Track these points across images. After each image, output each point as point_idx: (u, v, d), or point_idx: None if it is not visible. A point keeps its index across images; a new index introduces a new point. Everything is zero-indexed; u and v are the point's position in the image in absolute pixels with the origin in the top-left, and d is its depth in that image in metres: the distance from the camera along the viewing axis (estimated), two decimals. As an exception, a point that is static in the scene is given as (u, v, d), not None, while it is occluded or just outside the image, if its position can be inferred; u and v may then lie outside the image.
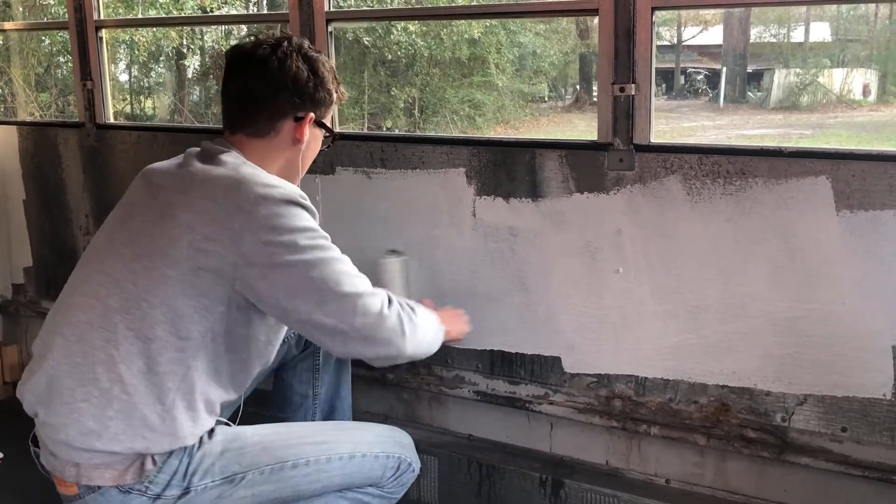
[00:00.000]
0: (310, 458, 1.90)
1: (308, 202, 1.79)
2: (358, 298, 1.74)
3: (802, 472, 2.17)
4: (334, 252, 1.77)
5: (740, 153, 2.10)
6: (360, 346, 1.77)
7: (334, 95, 1.95)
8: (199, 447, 1.82)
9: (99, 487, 1.75)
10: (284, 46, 1.88)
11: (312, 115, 1.91)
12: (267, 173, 1.83)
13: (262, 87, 1.87)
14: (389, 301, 1.81)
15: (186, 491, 1.79)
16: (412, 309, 1.86)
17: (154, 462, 1.76)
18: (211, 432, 1.87)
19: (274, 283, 1.72)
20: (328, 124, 1.98)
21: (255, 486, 1.86)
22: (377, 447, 1.98)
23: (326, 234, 1.78)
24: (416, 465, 2.06)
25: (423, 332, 1.87)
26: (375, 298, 1.77)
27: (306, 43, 1.93)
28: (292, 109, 1.89)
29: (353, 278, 1.77)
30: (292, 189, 1.78)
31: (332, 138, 2.02)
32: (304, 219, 1.76)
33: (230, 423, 1.98)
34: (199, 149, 1.90)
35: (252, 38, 1.95)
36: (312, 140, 1.95)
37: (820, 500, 2.18)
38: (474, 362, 2.54)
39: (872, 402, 2.05)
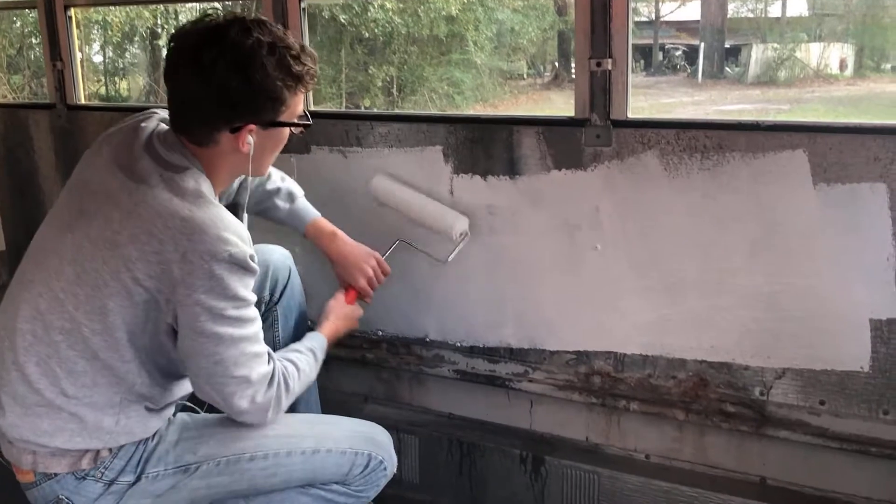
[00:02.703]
0: (269, 450, 1.86)
1: (255, 264, 1.71)
2: (245, 386, 1.74)
3: (781, 445, 2.18)
4: (249, 329, 1.73)
5: (717, 127, 2.09)
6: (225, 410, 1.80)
7: (285, 94, 1.72)
8: (154, 434, 1.82)
9: (55, 475, 1.75)
10: (220, 45, 1.66)
11: (252, 125, 1.72)
12: (228, 217, 1.70)
13: (190, 93, 1.70)
14: (271, 380, 1.79)
15: (139, 478, 1.78)
16: (295, 369, 1.87)
17: (110, 450, 1.76)
18: (170, 420, 1.87)
19: (184, 335, 1.70)
20: (292, 116, 1.79)
21: (209, 476, 1.83)
22: (344, 443, 1.93)
23: (254, 298, 1.74)
24: (391, 464, 2.01)
25: (294, 394, 1.87)
26: (259, 388, 1.76)
27: (255, 32, 1.68)
28: (226, 121, 1.71)
29: (250, 360, 1.74)
30: (243, 250, 1.67)
31: (302, 129, 1.86)
32: (243, 285, 1.69)
33: (198, 409, 1.97)
34: (160, 144, 1.74)
35: (206, 17, 1.72)
36: (266, 140, 1.78)
37: (799, 472, 2.19)
38: (454, 341, 2.53)
39: (850, 375, 2.05)
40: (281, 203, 2.22)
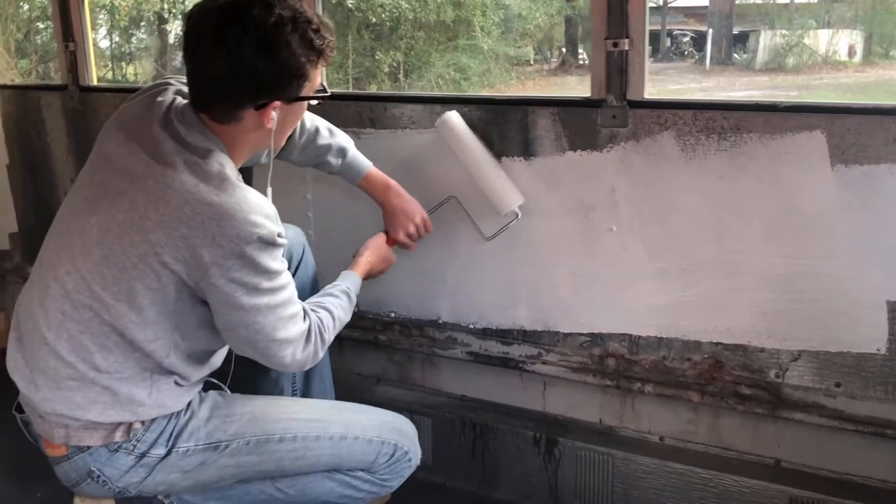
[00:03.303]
0: (298, 433, 1.89)
1: (284, 238, 1.72)
2: (285, 346, 1.79)
3: (796, 427, 2.18)
4: (284, 294, 1.76)
5: (735, 108, 2.07)
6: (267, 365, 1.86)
7: (308, 69, 1.71)
8: (187, 409, 1.84)
9: (88, 447, 1.76)
10: (242, 23, 1.63)
11: (277, 101, 1.72)
12: (253, 198, 1.69)
13: (213, 73, 1.67)
14: (308, 336, 1.84)
15: (169, 452, 1.80)
16: (330, 317, 1.93)
17: (143, 423, 1.77)
18: (202, 397, 1.89)
19: (221, 312, 1.73)
20: (311, 91, 1.78)
21: (238, 455, 1.85)
22: (372, 431, 1.96)
23: (285, 266, 1.77)
24: (415, 455, 2.04)
25: (331, 339, 1.93)
26: (298, 345, 1.81)
27: (277, 8, 1.65)
28: (250, 100, 1.70)
29: (287, 323, 1.77)
30: (271, 230, 1.68)
31: (322, 98, 1.86)
32: (274, 258, 1.71)
33: (223, 385, 1.98)
34: (179, 123, 1.73)
35: None
36: (287, 115, 1.78)
37: (814, 455, 2.19)
38: (467, 323, 2.53)
39: (866, 357, 2.05)
40: (333, 160, 2.21)
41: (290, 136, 2.09)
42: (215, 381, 1.98)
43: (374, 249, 2.21)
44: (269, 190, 1.88)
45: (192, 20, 1.69)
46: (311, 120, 2.17)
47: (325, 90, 1.85)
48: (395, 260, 2.28)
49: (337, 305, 1.97)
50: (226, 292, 1.68)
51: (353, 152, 2.24)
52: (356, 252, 2.20)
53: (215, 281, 1.66)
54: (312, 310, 1.90)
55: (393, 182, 2.27)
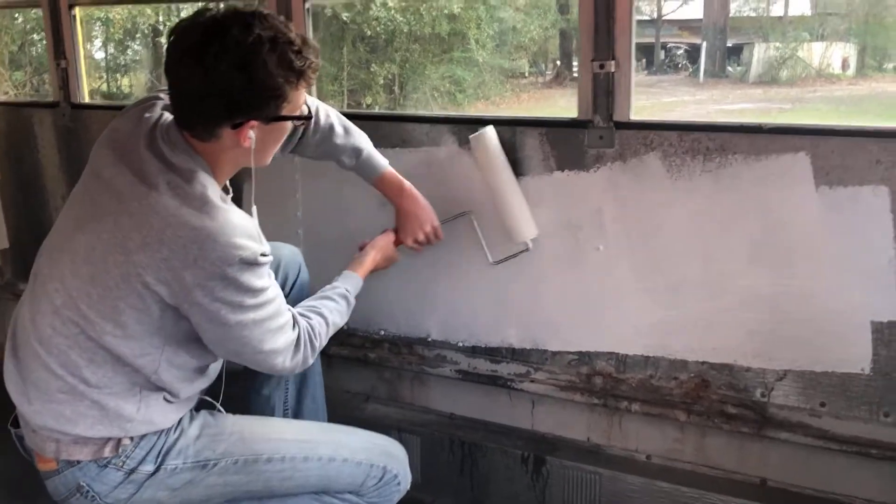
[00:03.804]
0: (286, 454, 1.89)
1: (268, 255, 1.73)
2: (273, 356, 1.82)
3: (782, 446, 2.19)
4: (270, 308, 1.77)
5: (720, 129, 2.09)
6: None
7: (287, 89, 1.69)
8: (177, 427, 1.85)
9: (78, 462, 1.78)
10: (221, 42, 1.63)
11: (253, 121, 1.70)
12: (236, 219, 1.70)
13: (191, 91, 1.67)
14: (297, 345, 1.86)
15: (158, 469, 1.81)
16: (323, 322, 1.95)
17: (131, 439, 1.79)
18: (192, 415, 1.90)
19: (206, 329, 1.75)
20: (293, 111, 1.77)
21: (226, 474, 1.86)
22: (361, 454, 1.97)
23: (269, 282, 1.77)
24: (405, 479, 2.04)
25: (323, 345, 1.95)
26: (287, 354, 1.84)
27: (256, 28, 1.64)
28: (227, 118, 1.69)
29: (275, 334, 1.79)
30: (254, 251, 1.69)
31: (305, 121, 1.88)
32: (258, 276, 1.72)
33: (215, 402, 2.00)
34: (163, 143, 1.73)
35: (205, 10, 1.69)
36: (268, 134, 1.76)
37: (799, 474, 2.19)
38: (456, 341, 2.54)
39: (851, 377, 2.06)
40: (347, 159, 2.22)
41: (303, 134, 2.11)
42: (209, 398, 2.00)
43: (381, 249, 2.22)
44: (255, 209, 1.89)
45: (174, 37, 1.70)
46: (327, 117, 2.16)
47: (308, 112, 1.85)
48: (399, 259, 2.28)
49: (333, 310, 1.98)
50: (210, 310, 1.70)
51: (369, 152, 2.23)
52: (362, 247, 2.21)
53: (199, 300, 1.68)
54: (305, 315, 1.92)
55: (408, 185, 2.25)
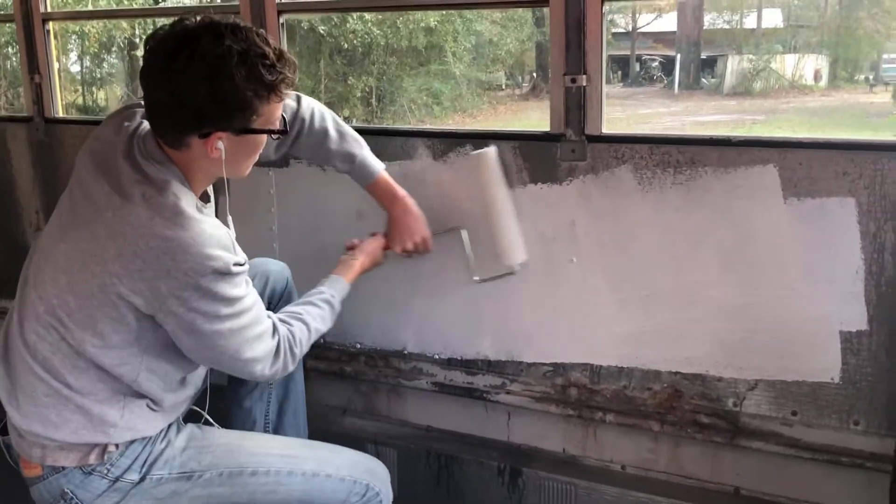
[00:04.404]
0: (271, 468, 1.90)
1: (243, 265, 1.73)
2: (252, 364, 1.82)
3: (754, 455, 2.21)
4: (247, 316, 1.77)
5: (690, 143, 2.12)
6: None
7: (256, 103, 1.68)
8: (163, 438, 1.86)
9: (63, 468, 1.78)
10: (190, 52, 1.63)
11: (220, 132, 1.69)
12: (209, 230, 1.70)
13: (160, 99, 1.68)
14: (276, 353, 1.86)
15: (143, 478, 1.82)
16: (305, 329, 1.95)
17: (117, 446, 1.80)
18: (179, 427, 1.91)
19: (180, 337, 1.75)
20: (267, 123, 1.75)
21: (211, 486, 1.87)
22: (344, 470, 1.98)
23: (246, 290, 1.77)
24: (387, 497, 2.05)
25: (304, 351, 1.95)
26: (266, 362, 1.84)
27: (227, 40, 1.64)
28: (194, 127, 1.68)
29: (253, 343, 1.80)
30: (226, 261, 1.69)
31: (279, 134, 1.83)
32: (233, 286, 1.72)
33: (202, 411, 2.02)
34: (139, 153, 1.73)
35: (182, 20, 1.69)
36: (239, 146, 1.75)
37: (772, 482, 2.21)
38: (432, 353, 2.55)
39: (821, 386, 2.09)
40: (339, 164, 2.23)
41: (296, 138, 2.13)
42: (198, 408, 2.01)
43: (369, 254, 2.23)
44: (230, 219, 1.89)
45: (148, 46, 1.71)
46: (322, 120, 2.17)
47: (284, 127, 1.83)
48: (384, 262, 2.29)
49: (316, 316, 1.98)
50: (186, 320, 1.70)
51: (362, 158, 2.23)
52: (350, 247, 2.23)
53: (174, 310, 1.69)
54: (286, 322, 1.92)
55: (401, 193, 2.26)
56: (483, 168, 2.30)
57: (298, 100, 2.15)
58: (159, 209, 1.68)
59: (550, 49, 2.24)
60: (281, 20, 2.61)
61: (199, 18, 1.69)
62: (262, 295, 2.17)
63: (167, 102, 1.67)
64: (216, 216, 1.84)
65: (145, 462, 1.82)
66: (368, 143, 2.28)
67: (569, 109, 2.22)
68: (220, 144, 1.71)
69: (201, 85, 1.63)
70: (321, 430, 2.42)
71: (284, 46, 2.65)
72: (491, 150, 2.30)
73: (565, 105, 2.22)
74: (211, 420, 2.03)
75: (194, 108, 1.66)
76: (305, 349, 1.95)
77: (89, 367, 1.74)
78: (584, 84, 2.19)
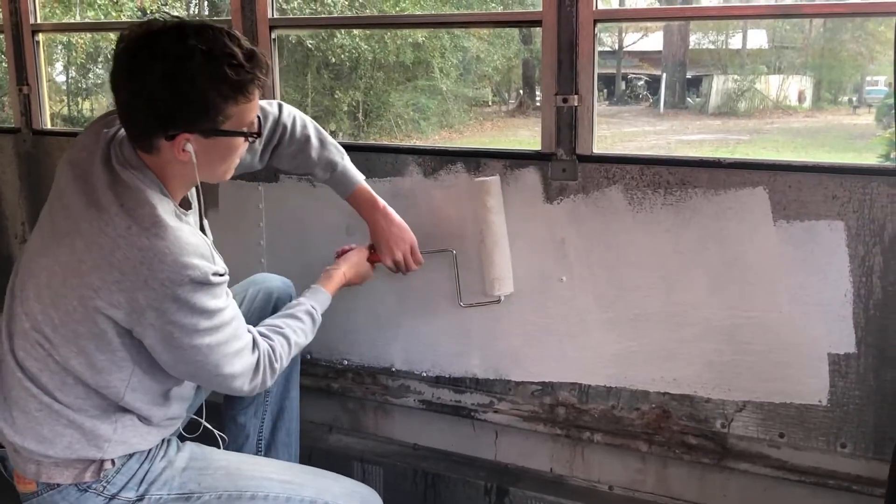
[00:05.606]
0: (269, 493, 1.88)
1: (222, 274, 1.71)
2: (230, 380, 1.80)
3: (742, 477, 2.21)
4: (226, 331, 1.75)
5: (680, 164, 2.13)
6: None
7: (220, 103, 1.64)
8: (162, 456, 1.85)
9: (58, 485, 1.76)
10: (151, 52, 1.60)
11: (187, 134, 1.65)
12: (187, 238, 1.67)
13: (125, 101, 1.66)
14: (256, 368, 1.84)
15: (141, 498, 1.80)
16: (286, 343, 1.93)
17: (113, 463, 1.78)
18: (179, 446, 1.90)
19: (160, 354, 1.73)
20: (239, 125, 1.70)
21: None
22: (341, 499, 1.96)
23: (226, 303, 1.74)
24: None
25: (284, 365, 1.93)
26: (245, 378, 1.83)
27: (191, 40, 1.60)
28: (160, 129, 1.65)
29: (232, 359, 1.78)
30: (204, 271, 1.65)
31: (254, 137, 1.77)
32: (211, 297, 1.69)
33: (199, 418, 2.02)
34: (116, 160, 1.70)
35: (151, 21, 1.65)
36: (211, 149, 1.70)
37: (759, 504, 2.22)
38: (420, 371, 2.54)
39: (809, 408, 2.09)
40: (321, 173, 2.21)
41: (277, 145, 2.12)
42: (198, 418, 2.01)
43: (353, 265, 2.19)
44: (206, 222, 1.87)
45: (116, 48, 1.68)
46: (304, 128, 2.16)
47: (259, 129, 1.79)
48: (373, 277, 2.26)
49: (297, 329, 1.96)
50: (164, 334, 1.68)
51: (343, 168, 2.22)
52: (340, 254, 2.21)
53: (153, 322, 1.66)
54: (266, 336, 1.90)
55: (381, 203, 2.23)
56: (486, 195, 2.29)
57: (280, 108, 2.15)
58: (136, 218, 1.65)
59: (542, 68, 2.25)
60: (273, 35, 2.60)
61: (168, 19, 1.66)
62: (265, 309, 2.18)
63: (131, 103, 1.65)
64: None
65: (143, 480, 1.81)
66: (358, 160, 2.28)
67: (560, 129, 2.23)
68: (189, 147, 1.67)
69: (159, 86, 1.61)
70: (307, 447, 2.41)
71: (276, 61, 2.65)
72: (495, 179, 2.30)
73: (556, 124, 2.23)
74: (210, 427, 2.02)
75: (155, 109, 1.63)
76: (286, 364, 1.93)
77: (77, 383, 1.72)
78: (576, 104, 2.20)
